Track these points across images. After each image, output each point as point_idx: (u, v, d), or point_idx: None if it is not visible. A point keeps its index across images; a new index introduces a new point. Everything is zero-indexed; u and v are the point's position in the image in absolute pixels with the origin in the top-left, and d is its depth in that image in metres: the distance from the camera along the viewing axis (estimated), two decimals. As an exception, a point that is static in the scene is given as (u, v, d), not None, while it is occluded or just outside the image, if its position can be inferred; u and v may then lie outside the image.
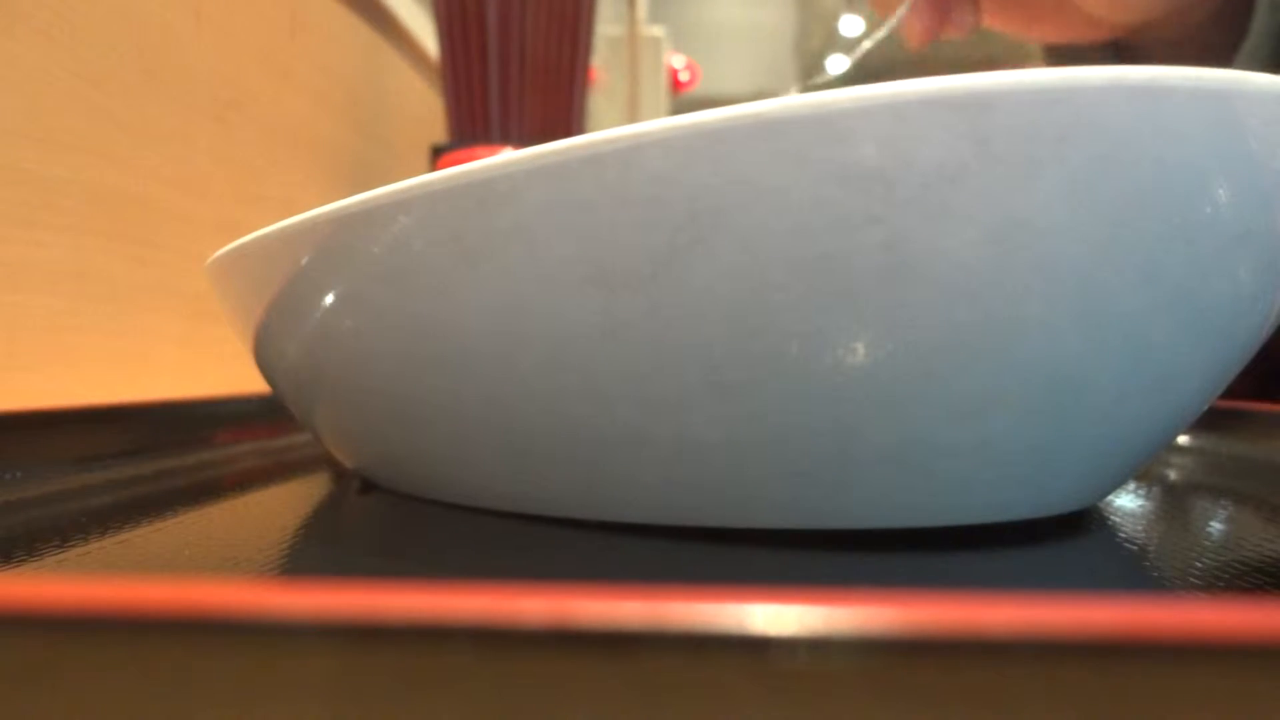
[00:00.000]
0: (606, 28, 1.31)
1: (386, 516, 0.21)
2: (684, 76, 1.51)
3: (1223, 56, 0.34)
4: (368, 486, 0.25)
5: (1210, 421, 0.29)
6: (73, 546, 0.18)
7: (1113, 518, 0.20)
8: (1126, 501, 0.23)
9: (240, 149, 0.50)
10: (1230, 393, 0.20)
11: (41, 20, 0.35)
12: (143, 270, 0.42)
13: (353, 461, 0.24)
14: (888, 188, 0.13)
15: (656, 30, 1.39)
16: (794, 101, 0.13)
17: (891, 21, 0.35)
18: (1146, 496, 0.24)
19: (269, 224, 0.19)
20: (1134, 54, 0.38)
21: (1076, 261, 0.14)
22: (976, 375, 0.15)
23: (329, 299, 0.18)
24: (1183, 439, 0.30)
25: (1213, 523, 0.21)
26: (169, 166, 0.44)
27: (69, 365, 0.37)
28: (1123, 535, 0.19)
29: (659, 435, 0.16)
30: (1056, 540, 0.17)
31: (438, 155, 0.63)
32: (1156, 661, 0.06)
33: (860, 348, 0.15)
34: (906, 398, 0.15)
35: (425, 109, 0.84)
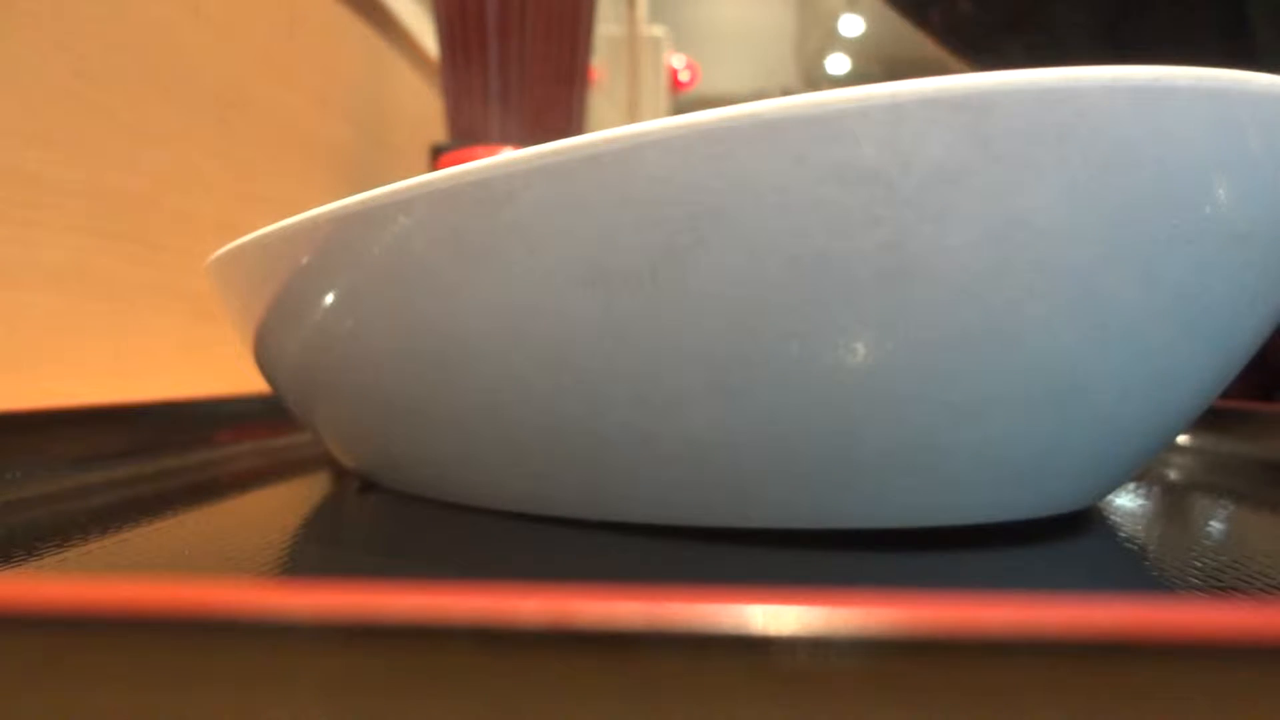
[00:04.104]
0: (606, 28, 1.31)
1: (386, 516, 0.21)
2: (684, 76, 1.51)
3: None
4: (368, 486, 0.25)
5: (1210, 421, 0.29)
6: (73, 546, 0.18)
7: (1113, 518, 0.20)
8: (1126, 501, 0.23)
9: (240, 149, 0.50)
10: (1230, 393, 0.20)
11: (41, 20, 0.35)
12: (143, 270, 0.42)
13: (353, 461, 0.24)
14: (888, 188, 0.13)
15: (656, 30, 1.39)
16: (794, 101, 0.13)
17: None
18: (1146, 496, 0.24)
19: (269, 224, 0.19)
20: None
21: (1077, 262, 0.14)
22: (977, 375, 0.15)
23: (329, 299, 0.18)
24: (1183, 439, 0.30)
25: (1213, 523, 0.21)
26: (169, 166, 0.44)
27: (69, 365, 0.37)
28: (1123, 535, 0.19)
29: (659, 435, 0.16)
30: (1056, 540, 0.17)
31: (438, 155, 0.63)
32: (1156, 661, 0.06)
33: (860, 348, 0.15)
34: (907, 398, 0.15)
35: (425, 109, 0.84)
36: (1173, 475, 0.28)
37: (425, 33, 0.80)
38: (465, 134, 0.63)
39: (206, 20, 0.47)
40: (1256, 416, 0.28)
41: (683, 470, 0.17)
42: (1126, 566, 0.17)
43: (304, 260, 0.18)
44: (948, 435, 0.15)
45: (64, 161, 0.37)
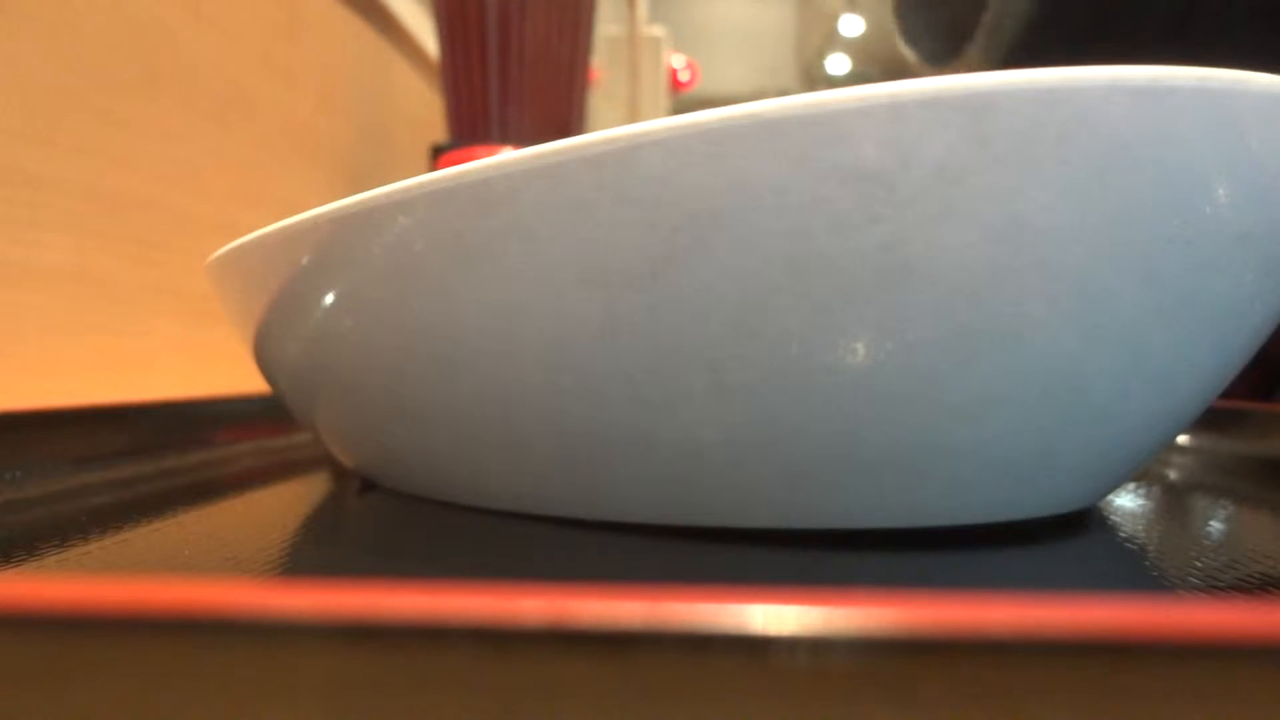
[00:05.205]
0: (606, 28, 1.31)
1: (386, 516, 0.21)
2: (684, 76, 1.51)
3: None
4: (368, 486, 0.25)
5: (1210, 421, 0.29)
6: (73, 546, 0.18)
7: (1113, 518, 0.20)
8: (1126, 501, 0.23)
9: (240, 149, 0.50)
10: (1230, 393, 0.20)
11: (41, 20, 0.36)
12: (143, 270, 0.42)
13: (353, 461, 0.24)
14: (888, 188, 0.13)
15: (656, 30, 1.39)
16: (794, 101, 0.13)
17: None
18: (1146, 496, 0.24)
19: (269, 224, 0.19)
20: None
21: (1076, 262, 0.14)
22: (976, 376, 0.15)
23: (329, 299, 0.18)
24: (1183, 439, 0.30)
25: (1213, 523, 0.21)
26: (169, 166, 0.44)
27: (69, 365, 0.37)
28: (1123, 535, 0.19)
29: (659, 435, 0.16)
30: (1056, 540, 0.17)
31: (438, 155, 0.63)
32: (1156, 661, 0.06)
33: (860, 348, 0.15)
34: (906, 398, 0.15)
35: (425, 109, 0.84)
36: (1173, 475, 0.28)
37: (425, 33, 0.80)
38: (465, 134, 0.63)
39: (206, 20, 0.47)
40: (1256, 416, 0.28)
41: (683, 470, 0.17)
42: (1126, 566, 0.17)
43: (304, 260, 0.18)
44: (947, 435, 0.15)
45: (64, 161, 0.37)
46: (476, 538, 0.19)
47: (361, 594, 0.07)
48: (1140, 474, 0.27)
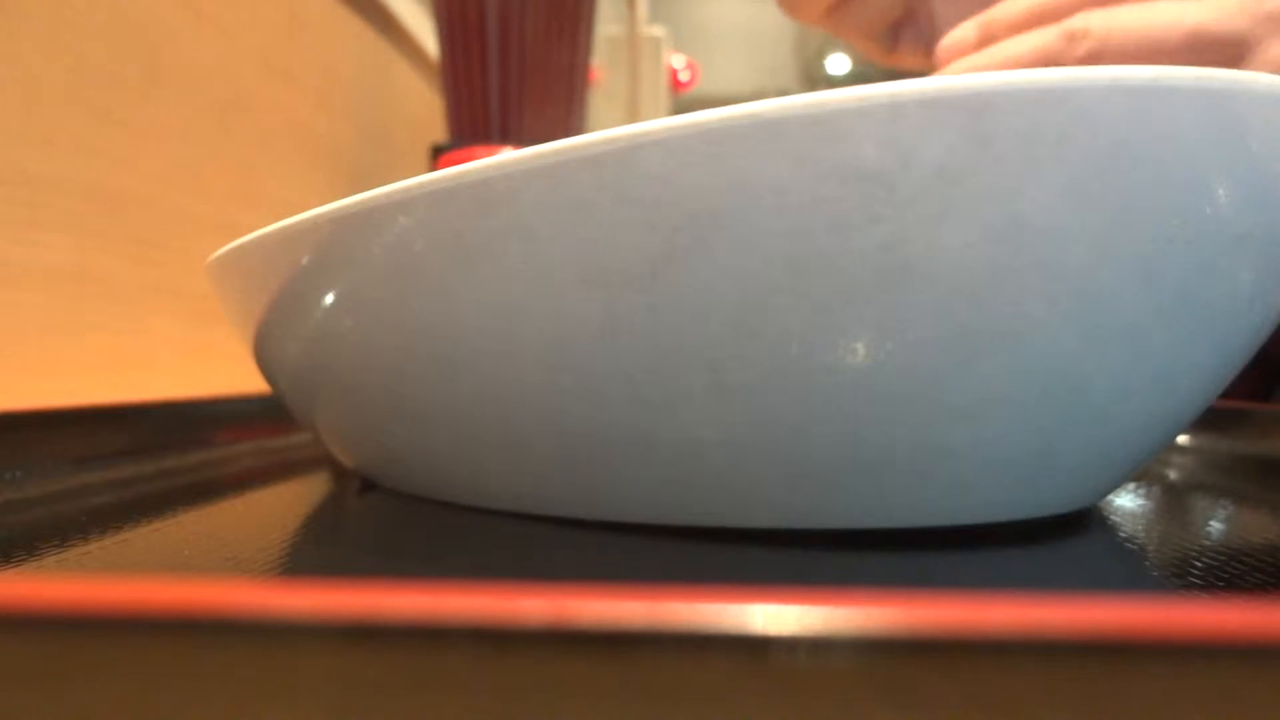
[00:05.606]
0: (606, 28, 1.31)
1: (386, 516, 0.21)
2: (684, 76, 1.51)
3: None
4: (368, 486, 0.25)
5: (1210, 421, 0.29)
6: (73, 546, 0.18)
7: (1113, 518, 0.20)
8: (1126, 501, 0.23)
9: (240, 149, 0.50)
10: (1230, 393, 0.19)
11: (41, 20, 0.35)
12: (143, 270, 0.42)
13: (353, 461, 0.24)
14: (888, 188, 0.13)
15: (656, 30, 1.39)
16: (793, 101, 0.13)
17: None
18: (1146, 496, 0.24)
19: (269, 224, 0.19)
20: None
21: (1076, 262, 0.14)
22: (976, 376, 0.15)
23: (329, 299, 0.18)
24: (1183, 439, 0.30)
25: (1213, 523, 0.21)
26: (169, 166, 0.44)
27: (69, 365, 0.37)
28: (1123, 535, 0.19)
29: (659, 435, 0.16)
30: (1056, 540, 0.17)
31: (438, 155, 0.63)
32: (1156, 661, 0.06)
33: (860, 348, 0.15)
34: (906, 398, 0.15)
35: (425, 109, 0.84)
36: (1173, 475, 0.28)
37: (425, 33, 0.80)
38: (465, 134, 0.63)
39: (206, 20, 0.47)
40: (1256, 416, 0.28)
41: (683, 470, 0.17)
42: (1126, 566, 0.17)
43: (304, 260, 0.18)
44: (947, 435, 0.15)
45: (64, 161, 0.37)
46: (476, 538, 0.19)
47: (361, 594, 0.07)
48: (1140, 474, 0.27)
